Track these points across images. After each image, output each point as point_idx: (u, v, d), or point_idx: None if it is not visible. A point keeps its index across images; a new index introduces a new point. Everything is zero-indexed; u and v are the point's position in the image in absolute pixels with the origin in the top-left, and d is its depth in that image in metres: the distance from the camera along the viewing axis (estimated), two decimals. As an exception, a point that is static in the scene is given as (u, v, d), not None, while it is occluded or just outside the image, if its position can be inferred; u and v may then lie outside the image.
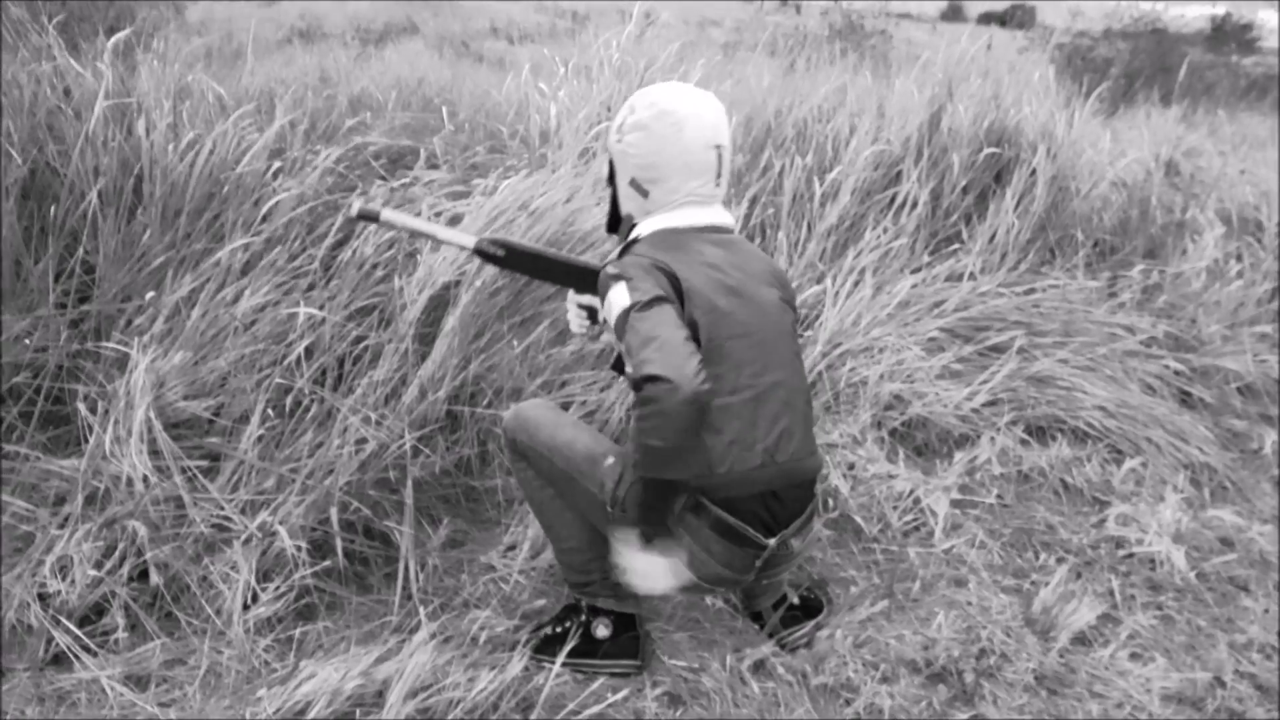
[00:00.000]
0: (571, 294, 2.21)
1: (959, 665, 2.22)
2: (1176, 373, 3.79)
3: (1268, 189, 5.34)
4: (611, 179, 2.13)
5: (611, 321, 1.86)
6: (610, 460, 2.03)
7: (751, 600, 2.36)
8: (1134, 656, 2.35)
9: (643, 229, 2.04)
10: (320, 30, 14.16)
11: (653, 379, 1.68)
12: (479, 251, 2.15)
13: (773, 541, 1.97)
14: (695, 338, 1.85)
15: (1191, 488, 3.17)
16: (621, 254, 2.06)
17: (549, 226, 3.09)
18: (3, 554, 2.16)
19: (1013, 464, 3.16)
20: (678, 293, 1.88)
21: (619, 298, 1.84)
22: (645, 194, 2.03)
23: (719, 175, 2.03)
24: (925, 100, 4.44)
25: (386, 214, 2.15)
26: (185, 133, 2.99)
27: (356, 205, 2.16)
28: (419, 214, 3.11)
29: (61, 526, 2.18)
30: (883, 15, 12.03)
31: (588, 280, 2.11)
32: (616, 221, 2.17)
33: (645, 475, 1.81)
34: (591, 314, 2.19)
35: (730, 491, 1.91)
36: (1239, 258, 4.59)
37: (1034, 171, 4.28)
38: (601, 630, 2.18)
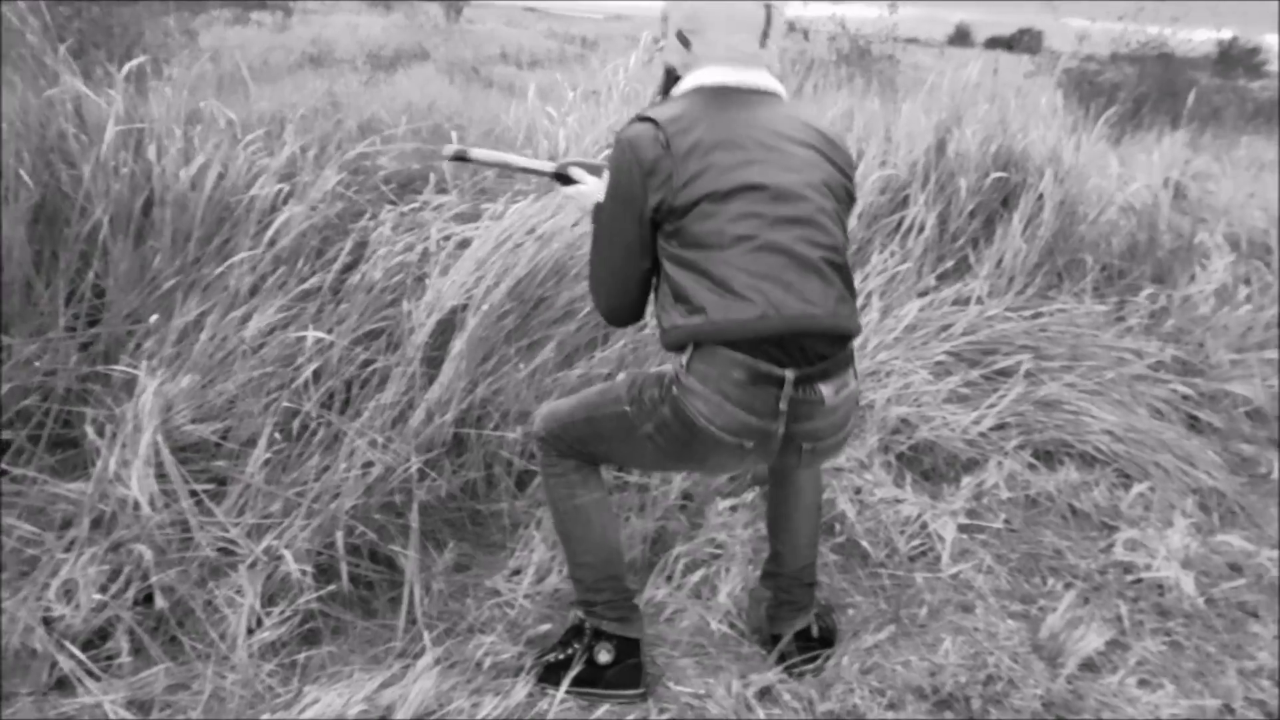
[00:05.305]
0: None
1: (966, 692, 2.21)
2: (1185, 397, 3.77)
3: (1276, 213, 5.34)
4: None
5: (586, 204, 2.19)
6: (621, 376, 2.23)
7: (776, 622, 2.34)
8: (1142, 683, 2.33)
9: (679, 86, 2.06)
10: (332, 55, 14.32)
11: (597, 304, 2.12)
12: (558, 176, 2.36)
13: (790, 373, 1.88)
14: (692, 200, 1.89)
15: (1200, 513, 3.15)
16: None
17: (556, 251, 3.10)
18: (5, 578, 2.17)
19: (1020, 488, 3.15)
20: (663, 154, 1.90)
21: (598, 189, 2.11)
22: (688, 45, 2.05)
23: (765, 35, 2.03)
24: (932, 125, 4.46)
25: (474, 152, 2.44)
26: (196, 157, 3.01)
27: (450, 148, 2.43)
28: (428, 237, 3.13)
29: (67, 550, 2.18)
30: (890, 40, 12.07)
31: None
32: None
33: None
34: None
35: (729, 336, 1.87)
36: (1247, 282, 4.57)
37: (1041, 196, 4.29)
38: (604, 655, 2.16)
